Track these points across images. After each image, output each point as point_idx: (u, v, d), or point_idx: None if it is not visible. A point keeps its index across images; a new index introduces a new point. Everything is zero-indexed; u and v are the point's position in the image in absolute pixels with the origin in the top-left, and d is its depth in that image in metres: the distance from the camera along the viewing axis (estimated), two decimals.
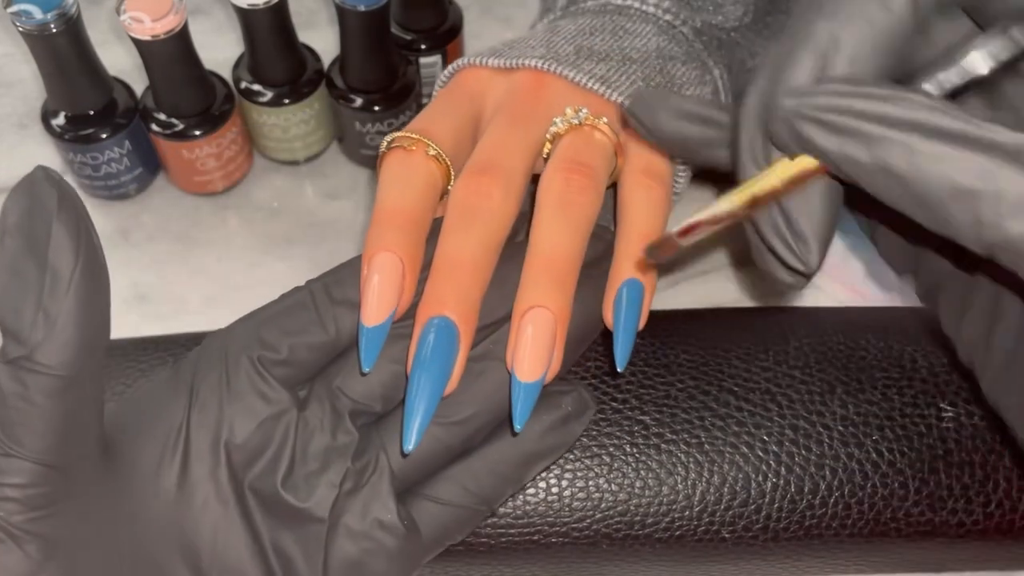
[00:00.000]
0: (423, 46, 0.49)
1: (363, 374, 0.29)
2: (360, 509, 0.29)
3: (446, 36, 0.49)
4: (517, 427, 0.29)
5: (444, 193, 0.33)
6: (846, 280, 0.46)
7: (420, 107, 0.51)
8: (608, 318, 0.31)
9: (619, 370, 0.31)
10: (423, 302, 0.29)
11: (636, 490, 0.33)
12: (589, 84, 0.35)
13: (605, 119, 0.33)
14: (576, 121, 0.33)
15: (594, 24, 0.38)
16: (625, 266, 0.32)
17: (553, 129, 0.33)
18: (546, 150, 0.33)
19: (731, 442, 0.34)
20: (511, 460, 0.31)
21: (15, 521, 0.25)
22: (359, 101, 0.46)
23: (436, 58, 0.49)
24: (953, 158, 0.20)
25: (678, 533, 0.33)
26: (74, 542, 0.27)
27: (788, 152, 0.22)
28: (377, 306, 0.29)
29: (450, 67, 0.37)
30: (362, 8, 0.42)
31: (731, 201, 0.23)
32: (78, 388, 0.25)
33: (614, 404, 0.34)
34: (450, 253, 0.30)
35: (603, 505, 0.33)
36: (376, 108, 0.46)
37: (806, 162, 0.22)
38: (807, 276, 0.23)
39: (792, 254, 0.23)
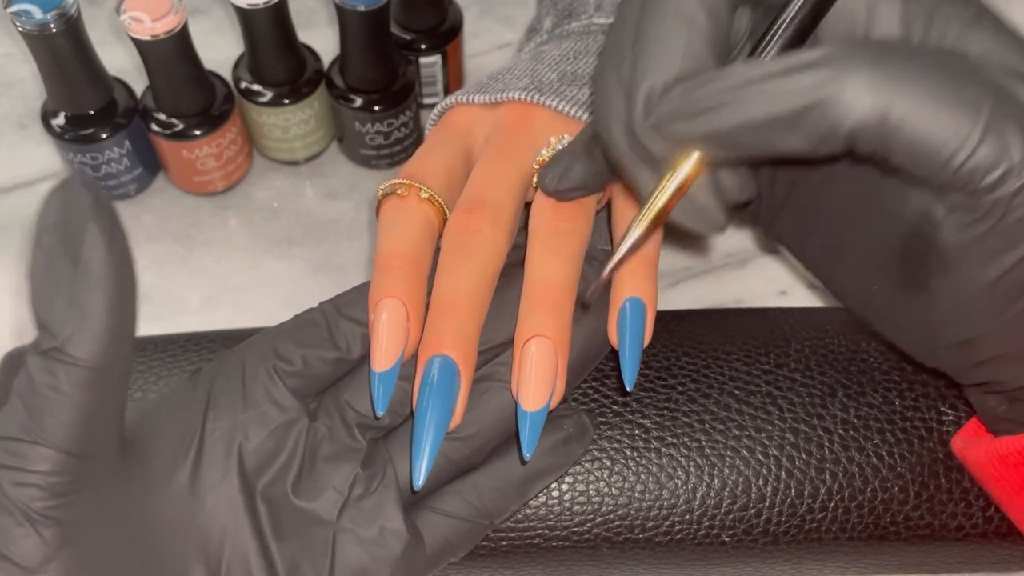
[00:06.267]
0: (423, 46, 0.49)
1: (377, 418, 0.30)
2: (368, 516, 0.30)
3: (446, 36, 0.49)
4: (526, 455, 0.30)
5: (442, 230, 0.34)
6: None
7: (420, 107, 0.51)
8: (613, 339, 0.32)
9: (628, 389, 0.31)
10: (423, 342, 0.30)
11: (636, 494, 0.33)
12: (572, 111, 0.35)
13: None
14: (560, 149, 0.33)
15: (578, 48, 0.38)
16: (625, 284, 0.32)
17: (539, 158, 0.34)
18: (535, 179, 0.34)
19: (731, 446, 0.34)
20: (514, 477, 0.32)
21: (36, 507, 0.26)
22: (359, 101, 0.46)
23: (436, 58, 0.49)
24: (788, 87, 0.23)
25: (678, 537, 0.33)
26: (90, 531, 0.28)
27: (668, 154, 0.26)
28: (386, 351, 0.30)
29: (439, 106, 0.37)
30: (362, 8, 0.42)
31: (641, 227, 0.27)
32: (105, 380, 0.26)
33: (615, 407, 0.34)
34: (446, 292, 0.31)
35: (603, 509, 0.33)
36: (376, 108, 0.46)
37: (685, 170, 0.26)
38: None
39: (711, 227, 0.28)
